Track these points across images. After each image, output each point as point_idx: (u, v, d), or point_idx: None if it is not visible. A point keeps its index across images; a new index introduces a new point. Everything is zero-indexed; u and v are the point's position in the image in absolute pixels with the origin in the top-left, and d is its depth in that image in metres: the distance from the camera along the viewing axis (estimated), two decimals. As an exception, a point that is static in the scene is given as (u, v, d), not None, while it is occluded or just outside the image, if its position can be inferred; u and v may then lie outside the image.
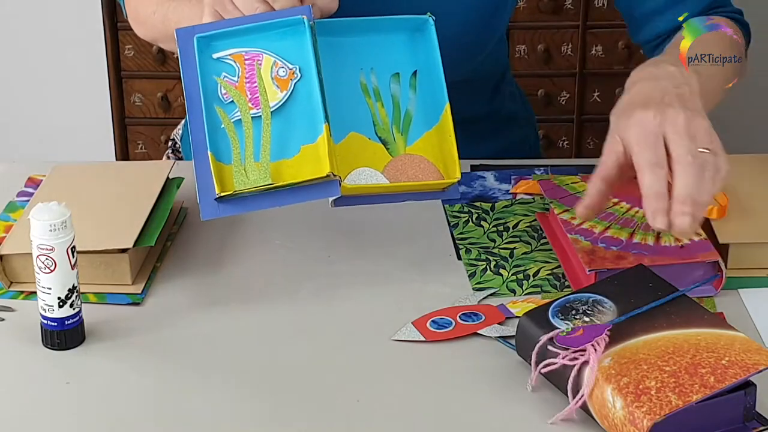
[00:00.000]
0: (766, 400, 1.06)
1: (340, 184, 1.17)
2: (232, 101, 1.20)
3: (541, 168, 1.48)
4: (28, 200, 1.36)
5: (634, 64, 2.44)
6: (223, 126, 1.19)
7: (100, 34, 2.40)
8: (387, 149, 1.23)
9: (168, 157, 1.71)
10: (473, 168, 1.49)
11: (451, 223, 1.37)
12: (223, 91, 1.21)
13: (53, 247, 1.12)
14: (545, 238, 1.33)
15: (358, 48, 1.24)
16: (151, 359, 1.15)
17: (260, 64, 1.21)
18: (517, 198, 1.42)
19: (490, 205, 1.40)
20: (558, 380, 1.07)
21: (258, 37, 1.22)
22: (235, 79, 1.21)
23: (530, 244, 1.33)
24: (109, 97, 2.52)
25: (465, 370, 1.13)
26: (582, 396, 1.03)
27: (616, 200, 1.32)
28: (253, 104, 1.20)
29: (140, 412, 1.08)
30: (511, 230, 1.35)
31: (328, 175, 1.16)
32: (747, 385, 1.03)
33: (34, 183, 1.42)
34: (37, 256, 1.13)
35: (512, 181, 1.45)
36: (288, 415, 1.08)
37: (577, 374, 1.04)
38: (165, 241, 1.33)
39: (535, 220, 1.37)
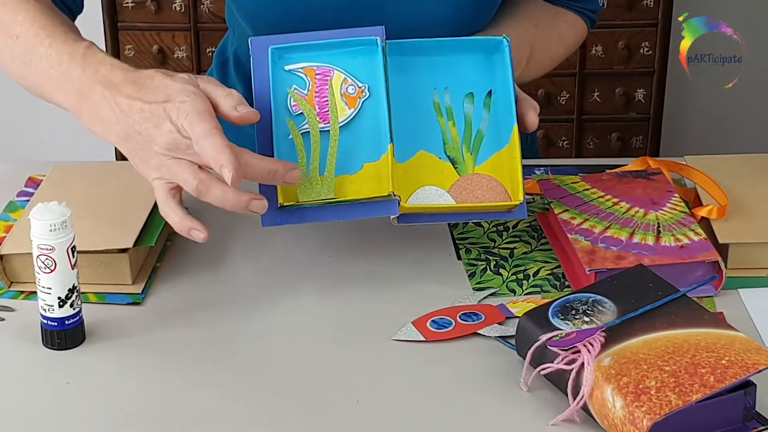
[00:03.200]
0: (766, 400, 1.05)
1: (399, 203, 1.19)
2: (301, 113, 1.22)
3: (541, 168, 1.48)
4: (28, 200, 1.36)
5: (634, 63, 2.46)
6: (290, 137, 1.21)
7: (100, 34, 2.40)
8: (455, 168, 1.23)
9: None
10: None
11: (451, 223, 1.36)
12: (293, 103, 1.22)
13: (53, 247, 1.12)
14: (545, 238, 1.33)
15: (433, 68, 1.25)
16: (151, 359, 1.15)
17: (332, 80, 1.22)
18: (517, 198, 1.42)
19: (490, 205, 1.40)
20: (558, 381, 1.07)
21: (331, 53, 1.23)
22: (305, 92, 1.22)
23: (530, 244, 1.33)
24: (110, 97, 2.51)
25: (465, 370, 1.13)
26: (582, 397, 1.03)
27: (616, 200, 1.32)
28: (321, 118, 1.21)
29: (140, 412, 1.08)
30: (511, 230, 1.35)
31: (389, 195, 1.18)
32: (747, 385, 1.03)
33: (34, 183, 1.42)
34: (37, 256, 1.13)
35: (512, 181, 1.45)
36: (288, 415, 1.08)
37: (576, 375, 1.04)
38: (165, 241, 1.33)
39: (535, 220, 1.37)
